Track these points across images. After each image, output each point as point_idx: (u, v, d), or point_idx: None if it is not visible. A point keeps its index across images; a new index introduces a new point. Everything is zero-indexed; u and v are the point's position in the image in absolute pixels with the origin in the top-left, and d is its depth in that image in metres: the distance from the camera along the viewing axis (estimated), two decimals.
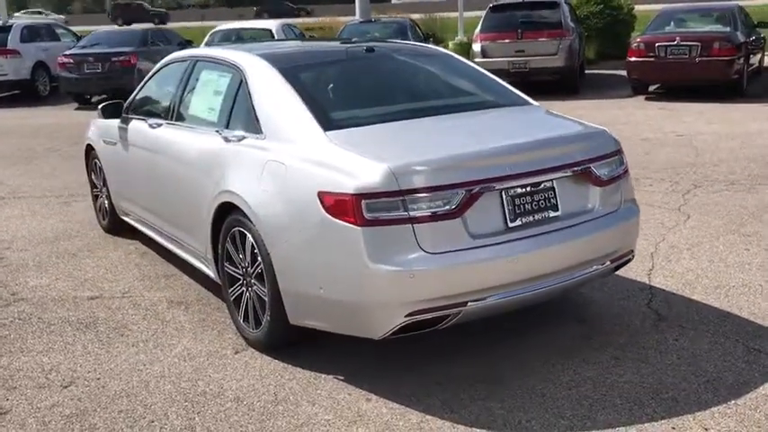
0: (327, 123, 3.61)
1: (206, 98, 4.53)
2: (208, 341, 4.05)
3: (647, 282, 4.64)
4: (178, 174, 4.51)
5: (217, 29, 15.11)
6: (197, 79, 4.67)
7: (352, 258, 3.18)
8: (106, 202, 6.14)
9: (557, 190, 3.50)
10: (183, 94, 4.75)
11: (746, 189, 6.78)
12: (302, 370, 3.65)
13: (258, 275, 3.75)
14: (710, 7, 13.84)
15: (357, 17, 22.65)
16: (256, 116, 3.91)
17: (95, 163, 6.23)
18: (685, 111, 11.33)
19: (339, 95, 4.09)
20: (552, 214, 3.48)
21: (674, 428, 3.04)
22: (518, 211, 3.38)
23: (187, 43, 16.88)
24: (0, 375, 3.74)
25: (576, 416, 3.16)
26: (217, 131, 4.16)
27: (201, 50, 5.02)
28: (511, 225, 3.36)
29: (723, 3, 14.01)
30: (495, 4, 13.80)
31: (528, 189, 3.41)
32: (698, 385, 3.37)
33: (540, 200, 3.45)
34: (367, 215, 3.13)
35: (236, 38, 15.09)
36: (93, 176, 6.38)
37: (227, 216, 3.94)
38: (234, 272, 3.98)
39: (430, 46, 4.93)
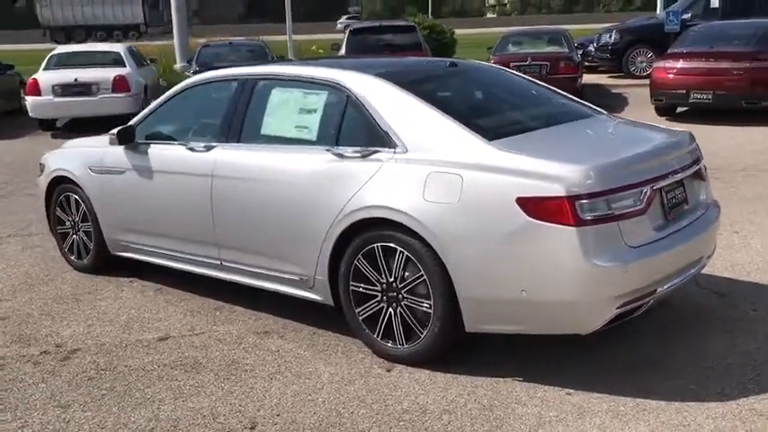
0: (485, 133, 3.71)
1: (289, 117, 4.36)
2: (345, 364, 3.91)
3: None
4: (263, 197, 4.29)
5: (55, 51, 13.87)
6: (265, 99, 4.48)
7: (566, 258, 3.34)
8: (85, 238, 5.57)
9: (685, 185, 3.93)
10: (244, 114, 4.53)
11: None
12: (474, 377, 3.69)
13: (411, 289, 3.75)
14: (543, 31, 15.45)
15: (175, 41, 21.93)
16: (385, 131, 3.89)
17: (68, 196, 5.62)
18: None
19: (466, 107, 4.19)
20: (686, 207, 3.91)
21: None
22: (670, 205, 3.76)
23: (8, 68, 15.29)
24: (161, 428, 3.34)
25: (753, 380, 3.57)
26: (327, 150, 4.06)
27: (259, 69, 4.80)
28: (668, 218, 3.73)
29: (553, 27, 15.71)
30: (354, 27, 14.19)
31: (673, 185, 3.81)
32: None
33: (678, 194, 3.86)
34: (581, 215, 3.31)
35: (74, 61, 13.96)
36: (59, 212, 5.74)
37: (358, 234, 3.88)
38: (367, 289, 3.91)
39: (483, 63, 5.15)
